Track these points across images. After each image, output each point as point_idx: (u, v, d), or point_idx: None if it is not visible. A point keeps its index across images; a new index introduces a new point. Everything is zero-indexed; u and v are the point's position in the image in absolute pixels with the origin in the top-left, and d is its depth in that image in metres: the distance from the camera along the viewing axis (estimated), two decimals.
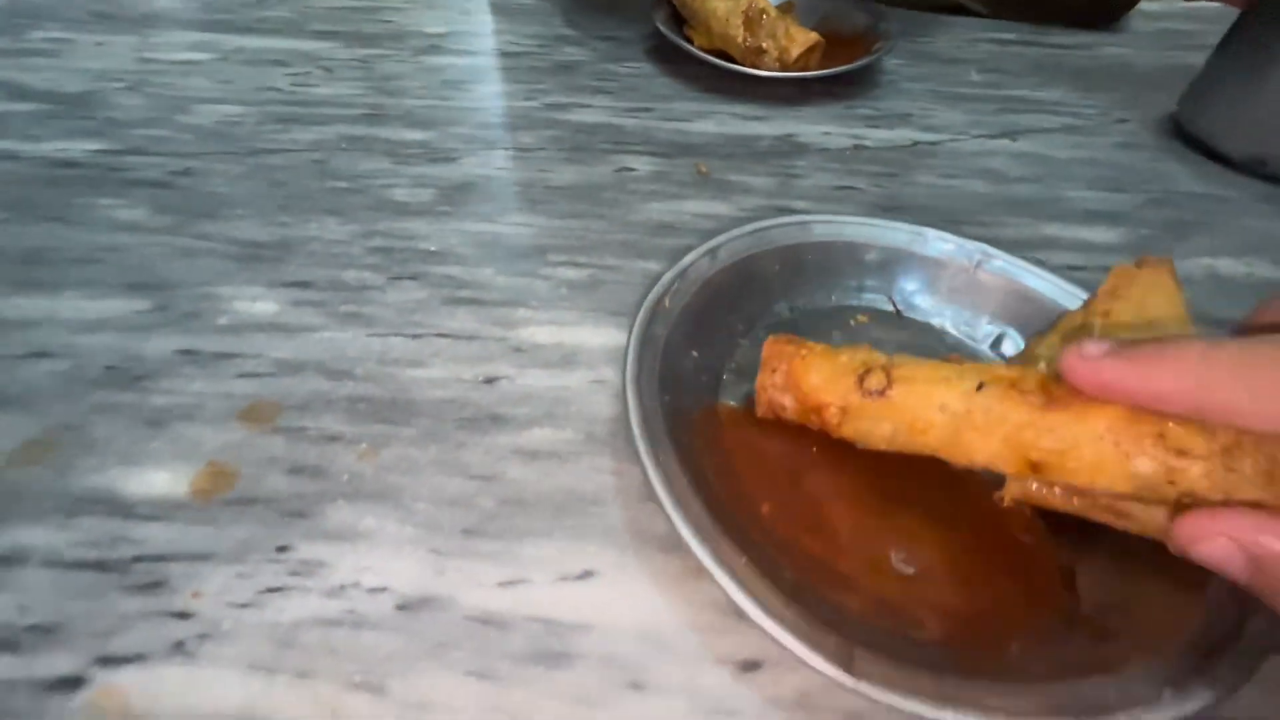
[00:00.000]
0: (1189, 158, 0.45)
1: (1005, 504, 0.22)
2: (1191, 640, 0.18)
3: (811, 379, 0.23)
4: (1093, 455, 0.17)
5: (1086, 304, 0.26)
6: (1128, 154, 0.46)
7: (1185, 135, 0.47)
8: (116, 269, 0.32)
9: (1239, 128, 0.44)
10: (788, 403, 0.24)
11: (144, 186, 0.38)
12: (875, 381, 0.22)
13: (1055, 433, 0.18)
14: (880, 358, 0.22)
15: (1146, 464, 0.17)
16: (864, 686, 0.16)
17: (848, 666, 0.17)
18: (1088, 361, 0.17)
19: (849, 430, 0.23)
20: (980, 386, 0.20)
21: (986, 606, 0.20)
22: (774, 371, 0.24)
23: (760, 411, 0.25)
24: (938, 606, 0.20)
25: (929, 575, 0.21)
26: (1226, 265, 0.36)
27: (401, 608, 0.20)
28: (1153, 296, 0.25)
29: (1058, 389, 0.18)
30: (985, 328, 0.30)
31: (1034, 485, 0.21)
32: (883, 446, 0.22)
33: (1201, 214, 0.40)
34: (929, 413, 0.20)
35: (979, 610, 0.20)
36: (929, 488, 0.23)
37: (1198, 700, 0.16)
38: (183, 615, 0.20)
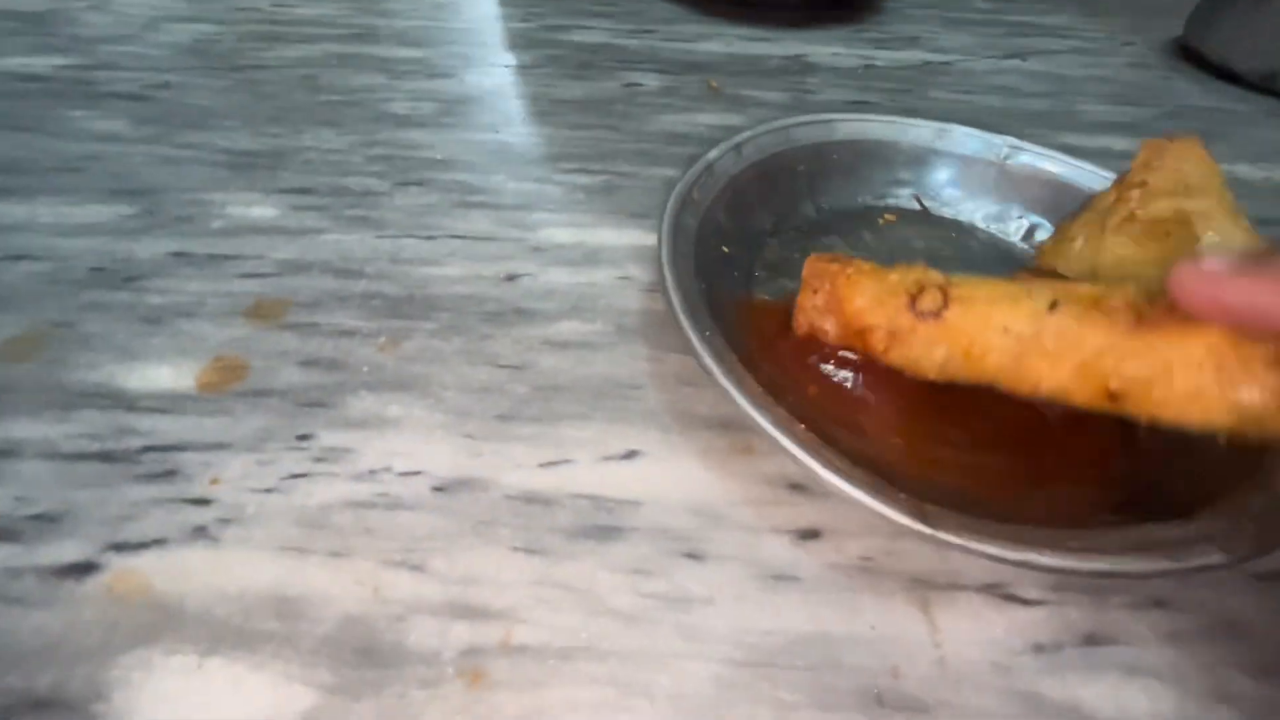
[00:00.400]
0: (1198, 76, 0.45)
1: None
2: (1260, 488, 0.18)
3: (857, 300, 0.21)
4: (1188, 384, 0.15)
5: (1118, 181, 0.26)
6: (1137, 73, 0.45)
7: (1192, 56, 0.47)
8: (97, 176, 0.30)
9: (1249, 45, 0.44)
10: (829, 326, 0.22)
11: (119, 99, 0.35)
12: (930, 301, 0.19)
13: (1143, 358, 0.16)
14: (937, 276, 0.20)
15: (1254, 392, 0.14)
16: (941, 534, 0.16)
17: (922, 518, 0.16)
18: (1208, 278, 0.14)
19: (897, 356, 0.20)
20: (1053, 305, 0.17)
21: (1047, 474, 0.20)
22: (815, 292, 0.22)
23: (799, 332, 0.23)
24: (998, 475, 0.20)
25: (986, 447, 0.21)
26: (1244, 170, 0.36)
27: (438, 489, 0.19)
28: (1187, 165, 0.24)
29: (1149, 308, 0.16)
30: (1016, 220, 0.29)
31: None
32: (933, 375, 0.20)
33: (1215, 125, 0.40)
34: (989, 335, 0.18)
35: (1040, 477, 0.20)
36: None
37: (1275, 537, 0.16)
38: (201, 501, 0.18)
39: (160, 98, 0.35)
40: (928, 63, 0.45)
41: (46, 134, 0.32)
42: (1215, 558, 0.16)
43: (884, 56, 0.45)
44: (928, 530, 0.16)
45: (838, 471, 0.17)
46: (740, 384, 0.19)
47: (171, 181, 0.30)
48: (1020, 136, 0.32)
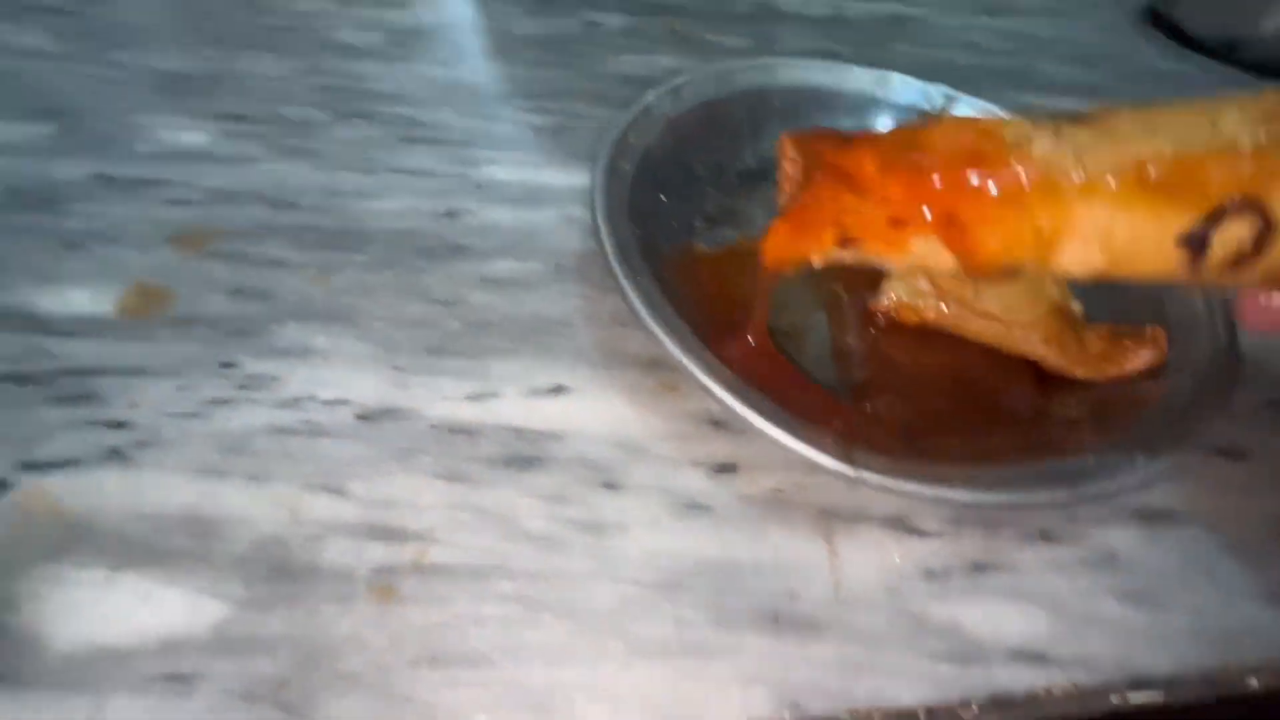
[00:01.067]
0: (1162, 42, 0.45)
1: (877, 310, 0.22)
2: (1152, 419, 0.19)
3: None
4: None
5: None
6: (1103, 35, 0.45)
7: (1159, 21, 0.46)
8: (14, 93, 0.28)
9: (1213, 13, 0.44)
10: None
11: (41, 12, 0.33)
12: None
13: None
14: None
15: None
16: (865, 475, 0.16)
17: (848, 459, 0.16)
18: None
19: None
20: None
21: (960, 406, 0.21)
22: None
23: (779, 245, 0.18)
24: (915, 409, 0.20)
25: (898, 388, 0.21)
26: None
27: (362, 418, 0.19)
28: None
29: None
30: None
31: (906, 294, 0.21)
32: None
33: (1170, 93, 0.40)
34: None
35: (953, 409, 0.21)
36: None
37: (1165, 463, 0.17)
38: (118, 425, 0.18)
39: (86, 13, 0.33)
40: (898, 16, 0.44)
41: None
42: (1098, 488, 0.17)
43: (855, 7, 0.44)
44: (851, 474, 0.16)
45: (759, 409, 0.17)
46: (668, 326, 0.19)
47: (97, 101, 0.28)
48: (979, 94, 0.32)
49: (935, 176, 0.15)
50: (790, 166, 0.20)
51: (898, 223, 0.16)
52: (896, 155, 0.16)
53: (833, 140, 0.18)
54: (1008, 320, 0.21)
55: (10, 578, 0.15)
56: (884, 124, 0.30)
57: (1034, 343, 0.21)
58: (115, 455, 0.18)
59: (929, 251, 0.16)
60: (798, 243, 0.18)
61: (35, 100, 0.28)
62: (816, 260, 0.18)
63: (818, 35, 0.41)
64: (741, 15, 0.41)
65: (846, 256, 0.18)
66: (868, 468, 0.16)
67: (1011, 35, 0.43)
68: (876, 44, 0.40)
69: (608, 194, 0.22)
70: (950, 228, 0.15)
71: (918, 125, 0.17)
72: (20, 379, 0.19)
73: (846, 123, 0.30)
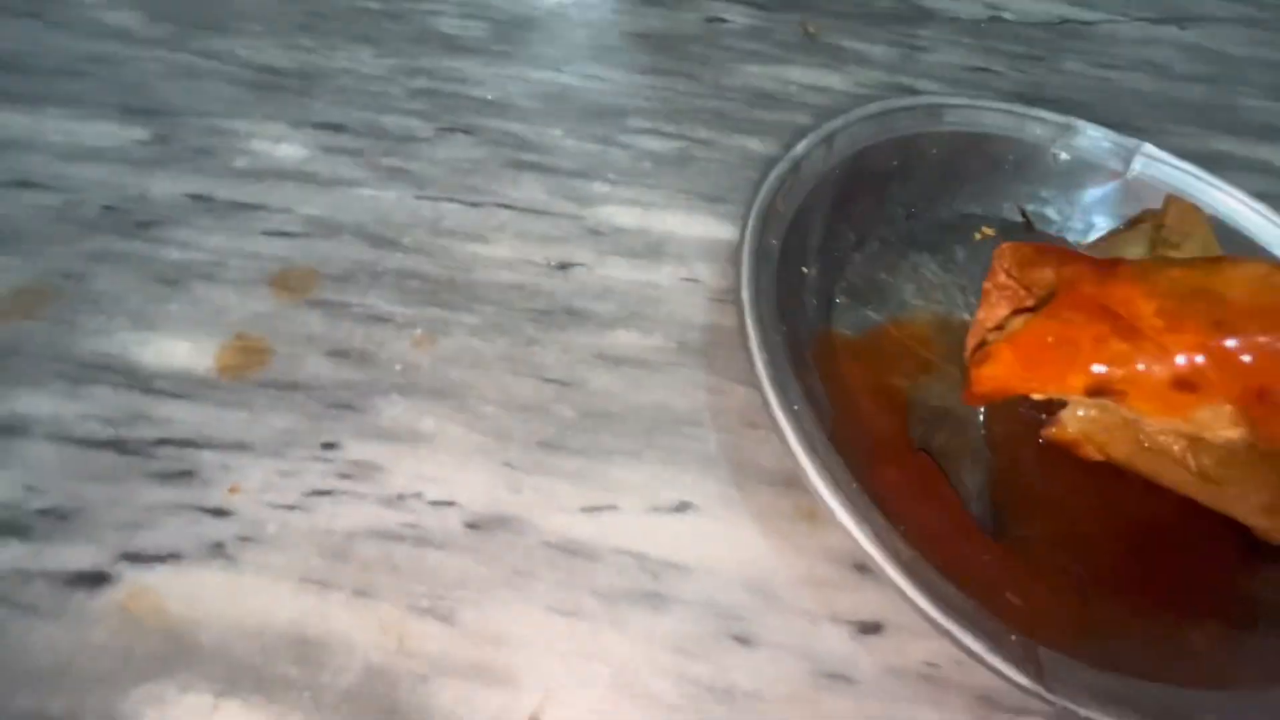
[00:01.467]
0: None
1: (1051, 440, 0.19)
2: None
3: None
4: None
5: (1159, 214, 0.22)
6: None
7: None
8: (107, 85, 0.26)
9: None
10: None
11: None
12: None
13: None
14: None
15: None
16: (1061, 701, 0.14)
17: (1037, 676, 0.14)
18: None
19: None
20: None
21: (1146, 568, 0.18)
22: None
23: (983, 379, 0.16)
24: (1103, 580, 0.18)
25: (1072, 538, 0.18)
26: None
27: (472, 527, 0.17)
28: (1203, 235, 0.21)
29: None
30: None
31: (1092, 426, 0.18)
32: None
33: None
34: None
35: (1137, 572, 0.18)
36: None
37: None
38: (220, 512, 0.17)
39: None
40: (1066, 20, 0.38)
41: (52, 23, 0.28)
42: None
43: (1015, 7, 0.38)
44: (1048, 696, 0.14)
45: (936, 600, 0.15)
46: (805, 438, 0.17)
47: (190, 100, 0.26)
48: (1166, 135, 0.27)
49: (1249, 339, 0.12)
50: (1007, 279, 0.17)
51: (1184, 384, 0.13)
52: (1184, 302, 0.13)
53: (1082, 265, 0.15)
54: (1221, 477, 0.18)
55: (115, 694, 0.14)
56: (1057, 183, 0.25)
57: (1250, 508, 0.18)
58: (218, 551, 0.16)
59: (1213, 420, 0.13)
60: (1028, 378, 0.15)
61: (128, 95, 0.26)
62: (1041, 397, 0.16)
63: (971, 44, 0.35)
64: (883, 13, 0.36)
65: (1085, 403, 0.16)
66: (1062, 694, 0.14)
67: (1201, 53, 0.37)
68: (1039, 60, 0.35)
69: (756, 279, 0.19)
70: (1260, 404, 0.13)
71: (1200, 262, 0.14)
72: (119, 446, 0.18)
73: (1014, 177, 0.25)
